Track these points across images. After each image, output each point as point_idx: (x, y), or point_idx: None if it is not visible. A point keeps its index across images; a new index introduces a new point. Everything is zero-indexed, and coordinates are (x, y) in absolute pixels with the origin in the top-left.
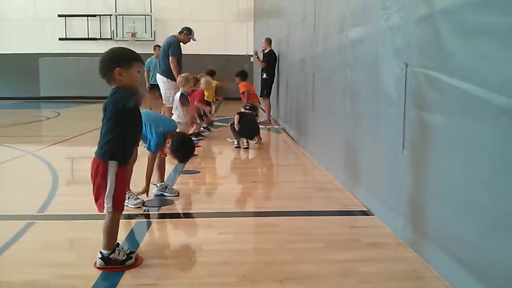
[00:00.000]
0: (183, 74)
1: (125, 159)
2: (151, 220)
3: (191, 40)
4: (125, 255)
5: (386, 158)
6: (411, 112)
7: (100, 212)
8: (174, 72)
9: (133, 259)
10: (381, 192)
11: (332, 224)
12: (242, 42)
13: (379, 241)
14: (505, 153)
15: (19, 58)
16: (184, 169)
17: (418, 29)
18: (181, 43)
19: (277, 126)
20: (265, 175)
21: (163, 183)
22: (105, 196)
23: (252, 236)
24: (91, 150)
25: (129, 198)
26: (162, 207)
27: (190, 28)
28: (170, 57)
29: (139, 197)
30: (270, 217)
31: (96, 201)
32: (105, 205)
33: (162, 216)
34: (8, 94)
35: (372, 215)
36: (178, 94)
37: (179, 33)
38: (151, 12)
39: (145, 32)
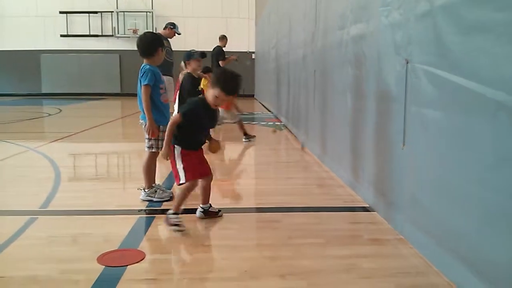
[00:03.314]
0: None
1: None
2: (153, 215)
3: (176, 34)
4: (218, 210)
5: (387, 154)
6: (412, 108)
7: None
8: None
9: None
10: (382, 188)
11: (333, 220)
12: (243, 39)
13: (380, 237)
14: (503, 148)
15: (21, 55)
16: None
17: (418, 26)
18: (168, 38)
19: (278, 123)
20: (267, 171)
21: (154, 186)
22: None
23: (254, 232)
24: (93, 147)
25: (156, 191)
26: (164, 202)
27: (174, 23)
28: None
29: (166, 191)
30: (271, 213)
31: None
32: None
33: (164, 211)
34: (10, 90)
35: (373, 211)
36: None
37: (163, 29)
38: (152, 8)
39: (147, 28)
